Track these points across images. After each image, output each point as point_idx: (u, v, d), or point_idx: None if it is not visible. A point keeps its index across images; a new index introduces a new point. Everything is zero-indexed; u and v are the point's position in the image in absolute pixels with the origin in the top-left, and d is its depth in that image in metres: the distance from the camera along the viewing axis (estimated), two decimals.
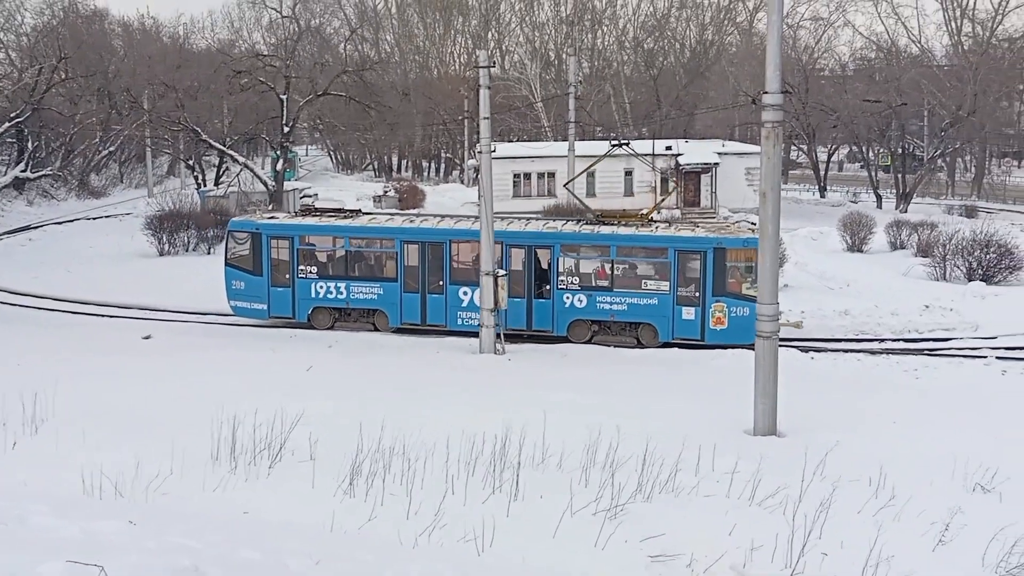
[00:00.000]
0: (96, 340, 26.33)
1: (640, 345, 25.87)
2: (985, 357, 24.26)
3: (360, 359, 23.94)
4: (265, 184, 53.33)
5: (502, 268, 25.90)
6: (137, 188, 73.97)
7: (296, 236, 27.88)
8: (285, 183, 55.33)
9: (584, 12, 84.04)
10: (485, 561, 9.86)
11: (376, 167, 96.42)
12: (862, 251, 42.14)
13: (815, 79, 71.05)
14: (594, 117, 75.26)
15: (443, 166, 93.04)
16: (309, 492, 11.58)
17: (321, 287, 27.62)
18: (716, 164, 57.79)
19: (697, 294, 25.45)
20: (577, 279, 26.35)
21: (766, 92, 16.60)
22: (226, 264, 28.51)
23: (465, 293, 26.74)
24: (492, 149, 25.48)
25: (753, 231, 25.80)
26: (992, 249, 35.20)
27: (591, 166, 36.94)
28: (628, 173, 58.91)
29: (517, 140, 73.83)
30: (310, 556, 9.02)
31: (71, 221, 55.30)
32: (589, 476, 12.51)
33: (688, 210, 56.05)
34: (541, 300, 26.49)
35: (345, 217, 28.81)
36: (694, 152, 58.87)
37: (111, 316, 30.43)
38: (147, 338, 26.72)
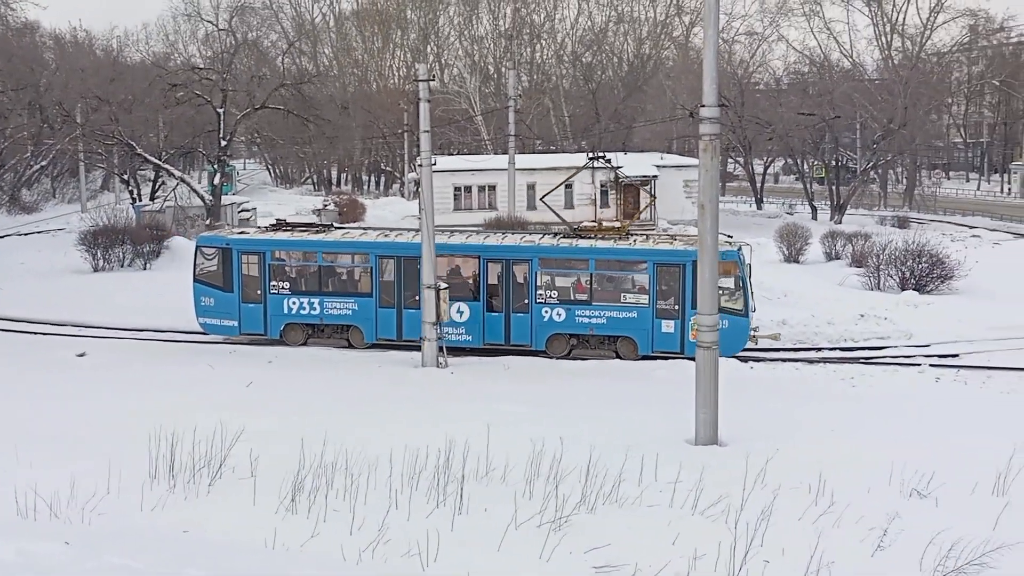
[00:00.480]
0: (29, 357, 25.76)
1: (618, 359, 25.79)
2: (919, 365, 24.74)
3: (301, 374, 23.72)
4: (202, 198, 52.70)
5: (480, 282, 26.07)
6: (70, 203, 72.57)
7: (268, 251, 27.40)
8: (223, 197, 54.71)
9: (523, 26, 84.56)
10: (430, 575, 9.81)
11: (315, 181, 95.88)
12: (798, 262, 42.82)
13: (751, 93, 72.20)
14: (534, 130, 75.61)
15: (383, 180, 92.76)
16: (250, 509, 11.42)
17: (294, 303, 27.13)
18: (655, 176, 58.31)
19: (676, 307, 25.35)
20: (556, 293, 26.19)
21: (703, 105, 16.79)
22: (195, 280, 27.85)
23: None
24: (432, 162, 25.42)
25: (730, 244, 26.21)
26: (924, 259, 35.97)
27: (568, 179, 36.74)
28: (568, 186, 59.18)
29: (457, 153, 73.88)
30: (252, 574, 8.90)
31: (2, 237, 54.08)
32: (533, 488, 12.50)
33: (628, 222, 56.39)
34: (519, 314, 26.27)
35: (317, 232, 28.45)
36: (633, 165, 59.35)
37: (44, 333, 29.77)
38: (82, 355, 26.21)
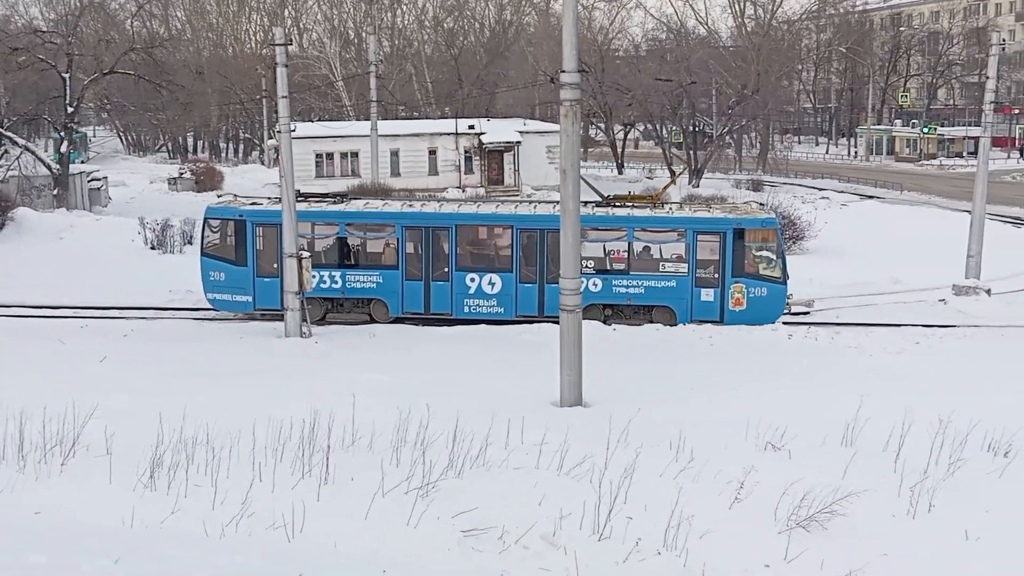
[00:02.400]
0: None
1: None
2: (772, 322, 25.57)
3: (158, 347, 23.01)
4: (49, 167, 50.32)
5: (512, 252, 25.47)
6: None
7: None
8: (71, 166, 52.39)
9: None
10: (296, 547, 9.68)
11: (170, 149, 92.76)
12: None
13: (611, 59, 73.06)
14: (396, 96, 74.90)
15: (242, 147, 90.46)
16: (107, 488, 11.03)
17: (313, 276, 25.79)
18: (518, 142, 58.57)
19: (716, 275, 25.21)
20: (592, 262, 25.55)
21: (563, 71, 16.88)
22: (202, 254, 26.57)
23: (472, 280, 25.79)
24: (292, 129, 24.89)
25: (764, 210, 26.27)
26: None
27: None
28: (432, 152, 59.01)
29: (319, 120, 72.58)
30: (108, 555, 8.61)
31: None
32: (400, 455, 12.45)
33: (492, 188, 56.62)
34: (553, 284, 25.34)
35: (335, 202, 27.42)
36: (497, 131, 59.47)
37: None
38: None
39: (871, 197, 62.69)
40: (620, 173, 74.64)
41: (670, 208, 26.79)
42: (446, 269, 25.64)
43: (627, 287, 25.49)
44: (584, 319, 24.94)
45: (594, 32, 76.71)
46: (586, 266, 25.00)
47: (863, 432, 13.89)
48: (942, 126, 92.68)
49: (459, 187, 57.14)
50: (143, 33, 75.09)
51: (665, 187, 28.15)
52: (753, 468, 12.28)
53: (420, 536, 10.20)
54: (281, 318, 24.99)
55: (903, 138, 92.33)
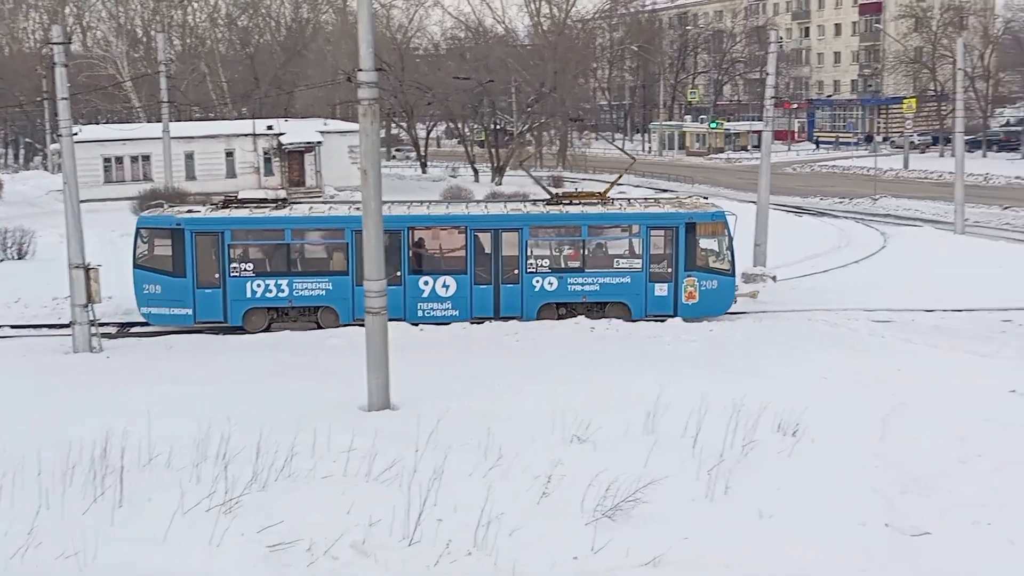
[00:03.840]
0: None
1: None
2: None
3: None
4: None
5: (468, 253, 24.94)
6: None
7: (227, 231, 24.96)
8: None
9: None
10: None
11: None
12: None
13: (410, 57, 72.93)
14: (189, 96, 72.34)
15: (23, 152, 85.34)
16: None
17: (258, 285, 24.79)
18: (319, 143, 57.68)
19: (669, 270, 25.34)
20: (547, 261, 25.47)
21: (361, 70, 16.72)
22: (135, 267, 24.99)
23: (426, 283, 25.29)
24: (75, 132, 23.58)
25: (712, 204, 26.54)
26: None
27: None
28: (229, 154, 57.38)
29: (107, 122, 69.26)
30: None
31: None
32: (201, 472, 12.03)
33: (294, 190, 55.53)
34: (509, 285, 25.35)
35: (277, 207, 25.97)
36: (296, 131, 58.39)
37: None
38: None
39: (664, 191, 65.06)
40: (424, 172, 74.65)
41: (620, 204, 26.94)
42: (399, 273, 25.04)
43: (582, 285, 25.55)
44: (540, 319, 25.32)
45: (392, 30, 76.38)
46: (541, 265, 25.41)
47: (663, 419, 14.36)
48: (728, 121, 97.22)
49: (259, 189, 55.67)
50: None
51: (611, 184, 28.23)
52: (560, 461, 12.51)
53: (224, 554, 9.87)
54: (222, 330, 24.36)
55: (693, 133, 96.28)
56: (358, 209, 25.39)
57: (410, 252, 25.49)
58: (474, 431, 13.87)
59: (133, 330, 25.95)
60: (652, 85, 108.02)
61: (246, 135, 57.20)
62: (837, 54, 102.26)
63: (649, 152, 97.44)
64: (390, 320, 24.74)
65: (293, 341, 24.18)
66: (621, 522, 10.96)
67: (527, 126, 69.20)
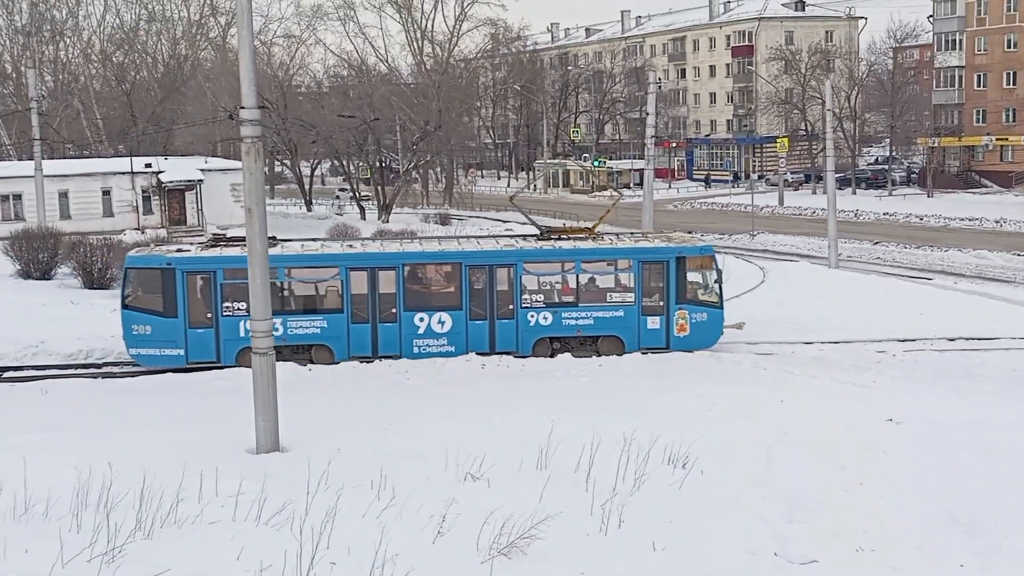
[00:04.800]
0: None
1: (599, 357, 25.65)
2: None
3: None
4: None
5: (461, 289, 25.25)
6: None
7: (220, 270, 24.75)
8: None
9: (42, 22, 78.08)
10: None
11: None
12: None
13: (293, 95, 72.37)
14: (63, 134, 70.29)
15: None
16: None
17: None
18: (200, 181, 56.67)
19: (661, 303, 25.70)
20: (541, 296, 25.72)
21: (243, 107, 16.47)
22: (124, 307, 24.75)
23: (421, 319, 25.42)
24: None
25: (695, 238, 27.62)
26: None
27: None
28: (106, 193, 55.93)
29: None
30: None
31: None
32: (81, 520, 11.53)
33: (175, 228, 54.38)
34: (504, 320, 25.56)
35: (269, 246, 24.35)
36: (176, 169, 57.29)
37: None
38: None
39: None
40: (309, 210, 73.93)
41: (611, 239, 27.23)
42: (394, 310, 25.24)
43: (576, 319, 25.81)
44: (535, 354, 25.52)
45: (274, 68, 75.76)
46: (536, 300, 25.71)
47: (556, 455, 14.40)
48: (610, 159, 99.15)
49: (138, 228, 54.37)
50: None
51: (600, 218, 28.62)
52: (455, 500, 12.42)
53: None
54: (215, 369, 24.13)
55: (576, 171, 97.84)
56: (351, 247, 26.58)
57: (404, 288, 25.65)
58: (367, 471, 13.67)
59: (5, 375, 24.90)
60: (535, 124, 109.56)
61: (123, 173, 55.85)
62: (712, 95, 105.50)
63: (534, 190, 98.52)
64: (389, 357, 25.56)
65: (178, 383, 23.58)
66: (517, 559, 10.93)
67: (412, 164, 69.25)
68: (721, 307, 26.40)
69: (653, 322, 25.87)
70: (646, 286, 25.93)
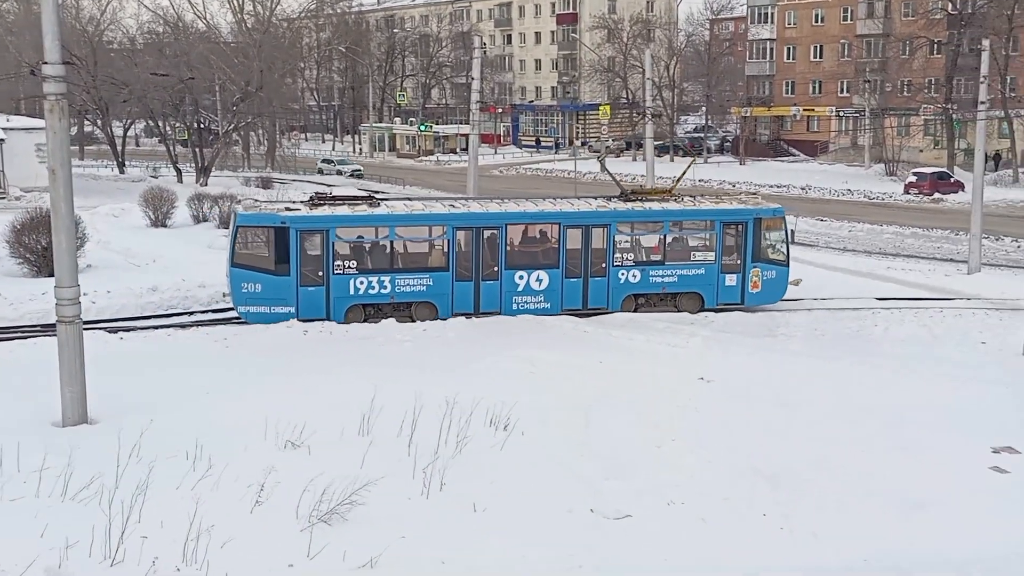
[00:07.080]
0: None
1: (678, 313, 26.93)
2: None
3: None
4: None
5: (559, 249, 26.14)
6: None
7: (332, 229, 25.00)
8: None
9: None
10: None
11: None
12: (166, 226, 41.94)
13: (104, 51, 68.90)
14: None
15: None
16: None
17: (361, 282, 25.16)
18: (2, 140, 53.35)
19: (739, 261, 27.19)
20: (632, 255, 26.82)
21: (46, 63, 15.62)
22: (233, 265, 24.82)
23: (521, 277, 26.20)
24: None
25: (765, 200, 28.85)
26: None
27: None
28: None
29: None
30: None
31: None
32: None
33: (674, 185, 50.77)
34: (597, 278, 26.56)
35: (370, 204, 26.79)
36: None
37: None
38: None
39: (377, 192, 65.29)
40: (122, 172, 70.67)
41: (695, 200, 28.47)
42: (495, 268, 25.95)
43: (662, 277, 27.10)
44: (623, 310, 26.74)
45: (83, 22, 71.77)
46: (627, 259, 26.82)
47: (378, 420, 14.39)
48: (437, 124, 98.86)
49: (678, 182, 50.34)
50: None
51: (677, 179, 30.32)
52: (274, 468, 12.26)
53: None
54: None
55: (403, 135, 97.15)
56: (454, 207, 26.88)
57: (507, 247, 26.25)
58: (181, 442, 13.29)
59: None
60: (361, 87, 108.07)
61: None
62: (538, 61, 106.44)
63: (360, 154, 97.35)
64: (489, 314, 26.02)
65: None
66: (337, 526, 10.89)
67: (232, 125, 67.11)
68: (788, 265, 28.12)
69: (731, 279, 27.49)
70: (726, 245, 27.48)
